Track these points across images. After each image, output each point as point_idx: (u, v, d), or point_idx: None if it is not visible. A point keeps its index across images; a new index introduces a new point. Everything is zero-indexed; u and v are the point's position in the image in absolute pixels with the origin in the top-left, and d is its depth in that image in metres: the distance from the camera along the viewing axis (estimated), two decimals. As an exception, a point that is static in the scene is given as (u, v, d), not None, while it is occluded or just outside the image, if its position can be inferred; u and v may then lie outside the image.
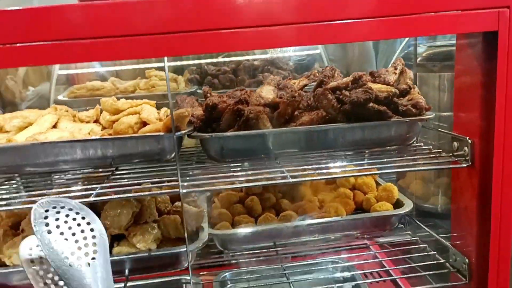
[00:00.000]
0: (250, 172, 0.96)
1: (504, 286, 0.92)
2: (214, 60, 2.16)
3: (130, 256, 1.04)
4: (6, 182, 1.03)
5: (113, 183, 0.95)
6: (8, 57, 0.69)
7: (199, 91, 1.92)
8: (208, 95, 1.15)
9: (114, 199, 1.01)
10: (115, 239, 1.08)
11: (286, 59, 2.15)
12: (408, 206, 1.22)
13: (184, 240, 1.10)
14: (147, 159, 1.03)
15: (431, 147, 1.08)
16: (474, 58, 0.88)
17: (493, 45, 0.82)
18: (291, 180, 0.90)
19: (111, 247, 1.07)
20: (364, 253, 1.27)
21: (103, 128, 1.16)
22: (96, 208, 1.14)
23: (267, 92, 1.11)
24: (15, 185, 1.02)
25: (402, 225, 1.28)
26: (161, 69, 2.09)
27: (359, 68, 2.06)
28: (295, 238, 1.19)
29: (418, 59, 1.48)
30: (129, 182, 0.95)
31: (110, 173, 1.02)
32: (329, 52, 2.08)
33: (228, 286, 1.48)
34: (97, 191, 0.91)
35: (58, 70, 1.94)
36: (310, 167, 0.95)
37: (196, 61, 2.18)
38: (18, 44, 0.70)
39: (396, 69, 1.15)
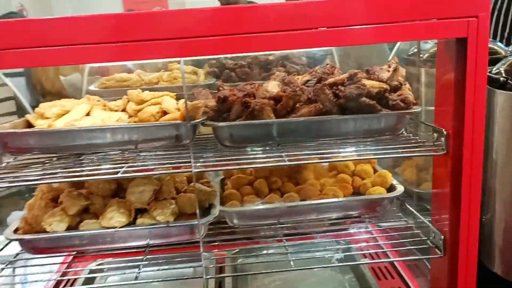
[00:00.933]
0: (253, 156, 1.11)
1: (472, 258, 1.05)
2: (232, 55, 2.31)
3: (151, 226, 1.20)
4: (47, 161, 1.20)
5: (137, 163, 1.11)
6: (61, 57, 0.86)
7: (217, 83, 2.08)
8: (221, 88, 1.31)
9: (138, 176, 1.17)
10: (138, 212, 1.25)
11: (299, 54, 2.28)
12: (399, 190, 1.35)
13: (194, 216, 1.27)
14: (166, 143, 1.20)
15: (417, 137, 1.21)
16: (450, 60, 1.01)
17: (464, 50, 0.95)
18: (287, 163, 1.05)
19: (134, 219, 1.24)
20: (359, 231, 1.41)
21: (130, 116, 1.32)
22: (122, 186, 1.32)
23: (272, 87, 1.26)
24: (54, 164, 1.19)
25: (395, 209, 1.41)
26: (185, 63, 2.26)
27: (369, 62, 2.18)
28: (296, 217, 1.34)
29: (425, 55, 1.61)
30: (151, 163, 1.11)
31: (135, 155, 1.19)
32: (340, 48, 2.21)
33: (239, 260, 1.66)
34: (124, 169, 1.08)
35: (90, 63, 2.12)
36: (305, 152, 1.10)
37: (215, 56, 2.33)
38: (72, 46, 0.87)
39: (389, 67, 1.28)
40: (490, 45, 1.66)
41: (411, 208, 1.31)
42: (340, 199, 1.33)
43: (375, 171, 1.52)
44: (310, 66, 2.18)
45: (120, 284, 1.43)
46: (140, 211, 1.26)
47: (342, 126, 1.16)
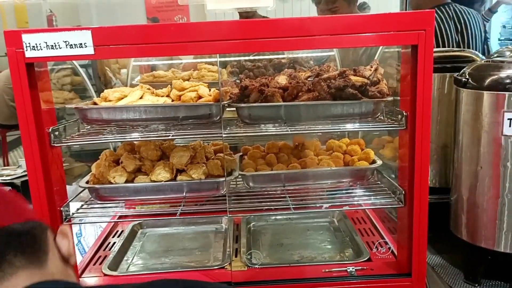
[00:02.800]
0: (265, 129, 1.52)
1: (423, 208, 1.44)
2: (251, 57, 2.73)
3: (188, 181, 1.61)
4: (113, 129, 1.62)
5: (180, 133, 1.53)
6: (140, 52, 1.28)
7: (238, 81, 2.50)
8: (243, 80, 1.72)
9: (182, 138, 1.59)
10: (178, 173, 1.66)
11: (307, 59, 2.69)
12: (378, 163, 1.74)
13: (222, 176, 1.68)
14: (201, 120, 1.61)
15: (389, 119, 1.60)
16: (408, 61, 1.41)
17: (415, 54, 1.35)
18: (290, 132, 1.45)
19: (175, 177, 1.65)
20: (347, 193, 1.80)
21: (172, 100, 1.74)
22: (165, 153, 1.73)
23: (282, 79, 1.67)
24: (120, 132, 1.61)
25: (376, 179, 1.80)
26: (209, 63, 2.68)
27: (361, 64, 2.57)
28: (298, 182, 1.74)
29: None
30: (192, 132, 1.52)
31: (178, 128, 1.60)
32: (340, 54, 2.61)
33: (252, 223, 2.06)
34: (170, 137, 1.49)
35: (133, 62, 2.56)
36: (305, 127, 1.50)
37: (237, 58, 2.75)
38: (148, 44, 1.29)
39: (372, 67, 1.68)
40: (470, 54, 2.07)
41: (385, 176, 1.70)
42: (332, 168, 1.72)
43: (361, 150, 1.91)
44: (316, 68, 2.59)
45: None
46: (179, 172, 1.67)
47: (333, 109, 1.57)
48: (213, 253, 1.84)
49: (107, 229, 2.04)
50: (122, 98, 1.72)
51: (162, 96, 1.78)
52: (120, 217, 2.01)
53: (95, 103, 1.71)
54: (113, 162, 1.71)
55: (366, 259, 1.65)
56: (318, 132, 1.49)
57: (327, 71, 1.72)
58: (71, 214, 1.52)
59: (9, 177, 2.46)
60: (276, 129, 1.53)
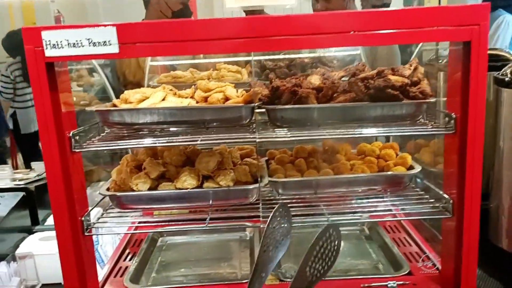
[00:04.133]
0: (298, 133, 1.41)
1: (474, 218, 1.32)
2: (272, 57, 2.62)
3: (216, 189, 1.51)
4: (135, 133, 1.52)
5: (209, 137, 1.42)
6: (169, 50, 1.18)
7: (259, 81, 2.39)
8: (273, 80, 1.61)
9: (211, 144, 1.48)
10: (204, 179, 1.56)
11: (331, 58, 2.58)
12: (417, 169, 1.63)
13: (250, 183, 1.57)
14: (229, 123, 1.51)
15: (433, 122, 1.48)
16: (458, 59, 1.29)
17: (468, 51, 1.23)
18: (328, 136, 1.34)
19: (202, 183, 1.54)
20: (385, 201, 1.68)
21: (197, 102, 1.63)
22: (190, 158, 1.63)
23: (315, 79, 1.56)
24: (139, 135, 1.50)
25: (414, 185, 1.68)
26: (229, 63, 2.58)
27: (387, 63, 2.47)
28: (332, 189, 1.63)
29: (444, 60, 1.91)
30: (220, 136, 1.41)
31: (205, 131, 1.50)
32: (366, 53, 2.50)
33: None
34: (199, 142, 1.39)
35: (150, 62, 2.46)
36: (341, 131, 1.39)
37: (256, 58, 2.65)
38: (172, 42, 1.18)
39: (411, 66, 1.57)
40: (503, 53, 1.96)
41: (426, 183, 1.58)
42: (369, 174, 1.61)
43: (396, 155, 1.80)
44: (340, 68, 2.48)
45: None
46: (205, 178, 1.56)
47: (371, 112, 1.45)
48: (240, 264, 1.73)
49: (126, 237, 1.94)
50: (143, 100, 1.62)
51: (186, 98, 1.67)
52: (143, 226, 1.90)
53: (114, 105, 1.61)
54: (135, 168, 1.61)
55: (406, 272, 1.54)
56: (359, 136, 1.38)
57: (362, 71, 1.60)
58: (92, 224, 1.42)
59: (22, 182, 2.37)
60: (309, 132, 1.42)
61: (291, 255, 1.76)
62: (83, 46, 1.19)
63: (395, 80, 1.48)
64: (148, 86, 2.37)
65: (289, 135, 1.39)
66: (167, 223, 1.84)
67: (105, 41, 1.19)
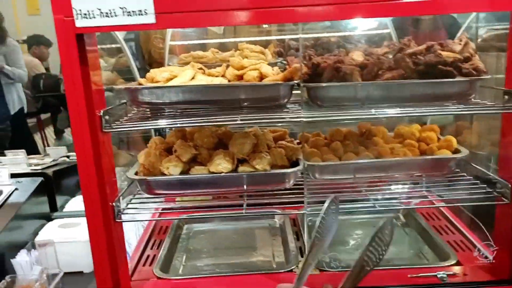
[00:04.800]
0: (347, 112, 1.30)
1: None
2: (295, 36, 2.50)
3: (254, 173, 1.41)
4: (167, 113, 1.42)
5: (248, 116, 1.31)
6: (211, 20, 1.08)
7: (284, 62, 2.28)
8: (312, 56, 1.50)
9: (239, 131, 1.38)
10: (238, 162, 1.46)
11: (358, 37, 2.46)
12: (464, 152, 1.52)
13: (285, 167, 1.48)
14: (267, 103, 1.40)
15: (487, 101, 1.38)
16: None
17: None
18: (379, 116, 1.24)
19: (236, 167, 1.44)
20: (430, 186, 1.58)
21: (229, 80, 1.53)
22: (222, 140, 1.53)
23: (357, 56, 1.45)
24: (178, 115, 1.40)
25: (458, 170, 1.58)
26: (251, 42, 2.46)
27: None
28: (373, 173, 1.53)
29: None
30: (261, 116, 1.31)
31: (241, 111, 1.39)
32: (397, 32, 2.37)
33: (309, 218, 1.85)
34: (238, 121, 1.28)
35: (169, 42, 2.34)
36: (394, 110, 1.28)
37: (280, 37, 2.53)
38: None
39: (461, 41, 1.46)
40: None
41: (476, 166, 1.48)
42: (415, 157, 1.51)
43: (438, 139, 1.69)
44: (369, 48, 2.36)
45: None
46: (240, 162, 1.46)
47: (423, 89, 1.34)
48: (273, 253, 1.64)
49: (150, 225, 1.86)
50: (171, 79, 1.52)
51: (216, 76, 1.57)
52: (172, 213, 1.81)
53: (140, 84, 1.51)
54: (164, 150, 1.51)
55: (454, 262, 1.44)
56: (409, 116, 1.28)
57: (408, 46, 1.49)
58: (122, 209, 1.32)
59: (39, 167, 2.28)
60: (358, 111, 1.31)
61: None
62: (116, 15, 1.09)
63: (446, 56, 1.37)
64: (169, 66, 2.27)
65: (339, 115, 1.28)
66: (201, 209, 1.74)
67: (140, 10, 1.08)
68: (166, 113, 1.40)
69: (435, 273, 1.37)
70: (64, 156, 2.59)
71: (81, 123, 1.15)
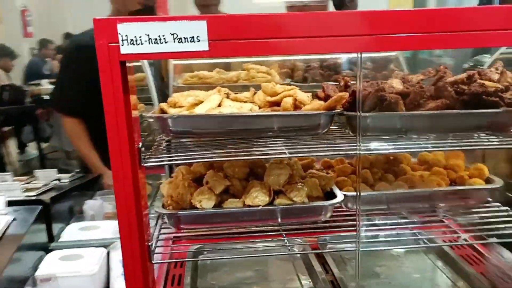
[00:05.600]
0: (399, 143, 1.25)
1: None
2: (299, 57, 2.46)
3: (293, 206, 1.33)
4: (201, 142, 1.33)
5: (298, 148, 1.24)
6: (271, 49, 1.00)
7: (292, 83, 2.22)
8: (349, 83, 1.45)
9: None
10: (274, 194, 1.38)
11: (365, 59, 2.43)
12: (499, 182, 1.50)
13: (321, 199, 1.41)
14: (305, 132, 1.34)
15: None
16: None
17: None
18: (431, 149, 1.19)
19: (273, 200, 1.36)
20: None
21: (260, 107, 1.45)
22: (253, 170, 1.45)
23: (397, 83, 1.40)
24: (209, 145, 1.31)
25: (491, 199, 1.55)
26: (257, 63, 2.40)
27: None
28: (408, 204, 1.48)
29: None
30: (313, 148, 1.24)
31: (283, 141, 1.32)
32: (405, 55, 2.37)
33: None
34: (287, 154, 1.21)
35: (173, 61, 2.25)
36: (446, 141, 1.24)
37: (286, 57, 2.48)
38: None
39: (497, 69, 1.44)
40: None
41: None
42: (463, 187, 1.47)
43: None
44: (374, 71, 2.34)
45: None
46: (275, 193, 1.38)
47: (470, 120, 1.31)
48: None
49: (165, 257, 1.74)
50: (196, 104, 1.43)
51: (245, 102, 1.49)
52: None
53: (163, 110, 1.41)
54: (192, 181, 1.41)
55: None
56: (463, 148, 1.24)
57: (444, 74, 1.46)
58: (154, 249, 1.22)
59: (33, 193, 2.12)
60: (407, 142, 1.26)
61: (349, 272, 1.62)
62: (166, 42, 1.00)
63: (488, 86, 1.34)
64: (173, 87, 2.18)
65: (393, 146, 1.23)
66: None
67: (192, 37, 1.00)
68: (199, 143, 1.31)
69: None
70: (55, 180, 2.44)
71: (122, 156, 1.05)
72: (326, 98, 1.41)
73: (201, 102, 1.44)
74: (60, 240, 2.09)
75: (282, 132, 1.33)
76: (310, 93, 1.44)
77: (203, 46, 1.00)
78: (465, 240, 1.49)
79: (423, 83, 1.49)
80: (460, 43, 1.07)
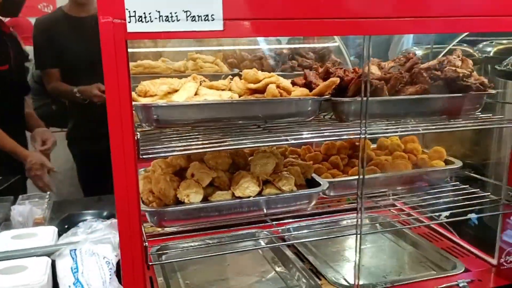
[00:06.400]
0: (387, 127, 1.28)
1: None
2: (246, 47, 2.42)
3: (283, 195, 1.30)
4: (183, 132, 1.23)
5: (297, 136, 1.20)
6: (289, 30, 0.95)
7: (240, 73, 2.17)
8: (330, 70, 1.44)
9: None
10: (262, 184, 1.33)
11: (307, 50, 2.46)
12: (458, 163, 1.60)
13: (303, 187, 1.40)
14: (293, 119, 1.31)
15: (490, 114, 1.46)
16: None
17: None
18: (421, 132, 1.23)
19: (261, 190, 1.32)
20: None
21: (240, 95, 1.39)
22: (234, 160, 1.39)
23: (375, 70, 1.43)
24: (191, 134, 1.23)
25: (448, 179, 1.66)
26: (201, 52, 2.32)
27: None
28: (380, 188, 1.53)
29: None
30: (309, 135, 1.21)
31: (273, 129, 1.28)
32: (349, 44, 2.43)
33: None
34: (291, 141, 1.17)
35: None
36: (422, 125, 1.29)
37: (230, 47, 2.43)
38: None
39: (458, 57, 1.53)
40: None
41: (479, 177, 1.56)
42: (429, 168, 1.54)
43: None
44: (317, 60, 2.37)
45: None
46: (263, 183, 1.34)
47: (445, 103, 1.38)
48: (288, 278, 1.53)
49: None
50: (171, 93, 1.34)
51: (223, 90, 1.42)
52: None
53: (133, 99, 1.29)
54: (175, 175, 1.32)
55: (462, 270, 1.49)
56: (447, 131, 1.29)
57: (418, 60, 1.52)
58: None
59: None
60: (398, 126, 1.30)
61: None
62: (178, 20, 0.91)
63: (459, 72, 1.42)
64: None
65: (395, 129, 1.25)
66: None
67: (207, 15, 0.92)
68: (186, 133, 1.22)
69: (456, 282, 1.40)
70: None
71: (125, 148, 0.93)
72: (308, 84, 1.40)
73: (175, 90, 1.35)
74: (-9, 251, 1.84)
75: (272, 118, 1.28)
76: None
77: (218, 25, 0.93)
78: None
79: (393, 69, 1.54)
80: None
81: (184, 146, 1.10)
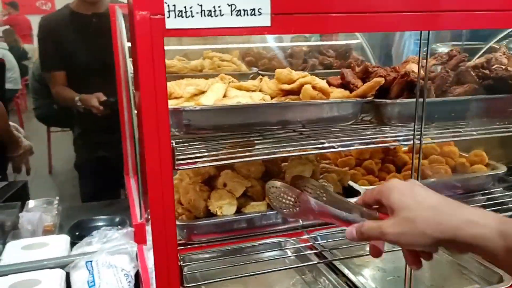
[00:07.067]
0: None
1: None
2: (265, 44, 2.32)
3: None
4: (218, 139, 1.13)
5: (336, 140, 1.10)
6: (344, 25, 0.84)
7: (260, 72, 2.07)
8: (369, 69, 1.33)
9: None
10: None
11: (327, 47, 2.35)
12: (502, 168, 1.50)
13: (341, 195, 1.29)
14: (332, 123, 1.20)
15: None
16: None
17: None
18: (477, 136, 1.12)
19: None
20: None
21: (272, 97, 1.29)
22: (269, 168, 1.28)
23: (415, 68, 1.32)
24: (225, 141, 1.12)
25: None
26: (217, 50, 2.21)
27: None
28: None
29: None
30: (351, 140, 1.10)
31: (314, 133, 1.17)
32: (370, 41, 2.33)
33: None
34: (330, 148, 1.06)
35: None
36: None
37: (247, 45, 2.32)
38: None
39: (504, 54, 1.42)
40: None
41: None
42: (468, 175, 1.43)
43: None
44: (337, 58, 2.27)
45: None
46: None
47: (494, 105, 1.27)
48: None
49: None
50: (197, 95, 1.24)
51: (253, 91, 1.32)
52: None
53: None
54: (205, 184, 1.21)
55: (510, 284, 1.39)
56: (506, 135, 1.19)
57: (465, 57, 1.42)
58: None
59: None
60: (442, 131, 1.19)
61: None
62: (222, 15, 0.80)
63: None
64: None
65: (449, 134, 1.15)
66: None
67: (253, 9, 0.81)
68: (219, 139, 1.12)
69: (508, 298, 1.30)
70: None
71: (162, 157, 0.83)
72: (344, 85, 1.29)
73: (202, 92, 1.25)
74: (2, 263, 1.74)
75: (311, 123, 1.18)
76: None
77: (265, 20, 0.82)
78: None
79: (434, 68, 1.44)
80: None
81: (220, 154, 1.00)
